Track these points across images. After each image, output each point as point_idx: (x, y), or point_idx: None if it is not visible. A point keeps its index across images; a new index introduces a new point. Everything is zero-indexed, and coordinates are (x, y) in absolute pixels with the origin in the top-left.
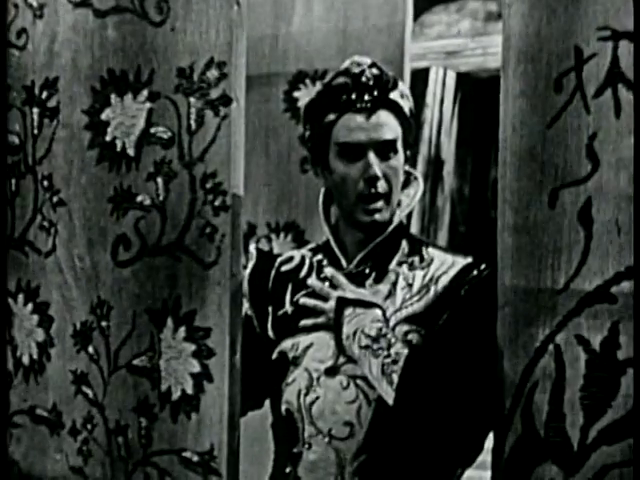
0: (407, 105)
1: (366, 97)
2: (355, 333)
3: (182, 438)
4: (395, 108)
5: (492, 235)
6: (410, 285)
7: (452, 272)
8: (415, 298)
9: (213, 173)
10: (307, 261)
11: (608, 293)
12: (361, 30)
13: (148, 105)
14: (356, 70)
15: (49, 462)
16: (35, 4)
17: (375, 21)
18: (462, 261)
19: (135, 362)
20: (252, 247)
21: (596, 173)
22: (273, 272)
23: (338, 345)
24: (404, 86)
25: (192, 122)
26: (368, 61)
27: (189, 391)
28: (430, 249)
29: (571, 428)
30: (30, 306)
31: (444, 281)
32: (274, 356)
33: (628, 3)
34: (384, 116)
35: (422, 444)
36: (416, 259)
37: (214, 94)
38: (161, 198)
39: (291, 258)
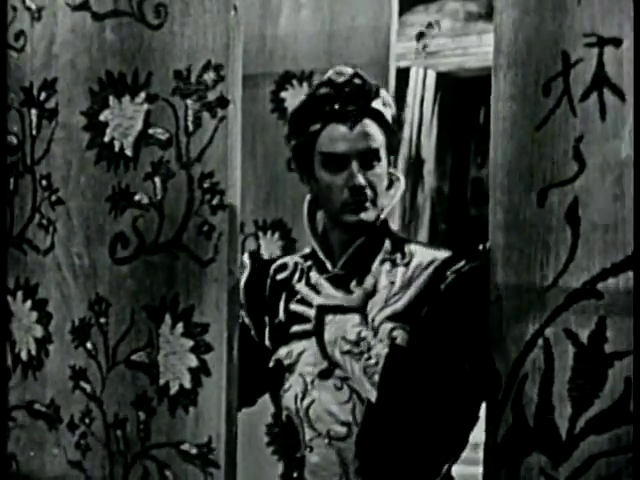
0: (389, 112)
1: (349, 107)
2: (336, 339)
3: (180, 431)
4: (378, 117)
5: (471, 233)
6: (392, 283)
7: (432, 267)
8: (398, 295)
9: (210, 173)
10: (299, 267)
11: (594, 289)
12: (347, 31)
13: (146, 107)
14: (339, 80)
15: (47, 457)
16: (33, 7)
17: (361, 22)
18: (442, 256)
19: (133, 357)
20: (245, 256)
21: (582, 174)
22: (269, 281)
23: (322, 352)
24: (386, 94)
25: (189, 123)
26: (350, 71)
27: (187, 385)
28: (412, 245)
29: (560, 419)
30: (29, 303)
31: (425, 276)
32: (271, 364)
33: (613, 11)
34: (367, 125)
35: (407, 440)
36: (398, 256)
37: (211, 96)
38: (159, 197)
39: (285, 265)
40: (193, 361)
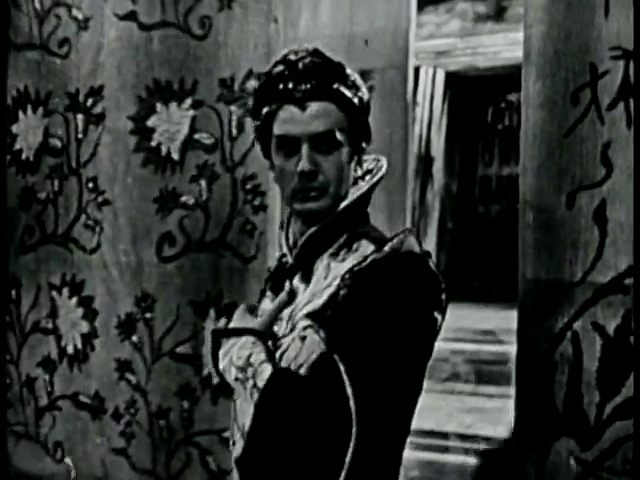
0: (357, 95)
1: (302, 87)
2: (227, 366)
3: (222, 419)
4: (338, 98)
5: (479, 231)
6: (325, 277)
7: (355, 261)
8: (323, 292)
9: (252, 175)
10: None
11: (621, 284)
12: (366, 34)
13: (192, 113)
14: (293, 58)
15: (90, 444)
16: (80, 17)
17: (379, 25)
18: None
19: (178, 350)
20: None
21: (610, 178)
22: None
23: (220, 379)
24: (354, 75)
25: (233, 129)
26: (309, 48)
27: None
28: (364, 241)
29: (588, 406)
30: (75, 299)
31: (343, 270)
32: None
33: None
34: (323, 107)
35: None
36: (343, 252)
37: None
38: (204, 198)
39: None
40: None
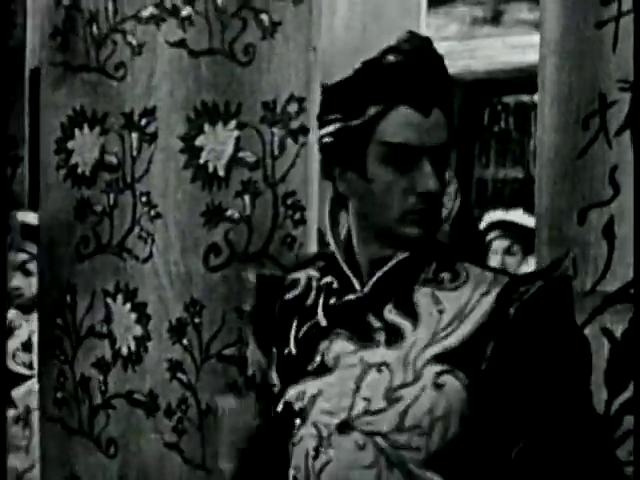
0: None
1: (427, 86)
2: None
3: None
4: (446, 104)
5: (474, 234)
6: (441, 312)
7: (495, 291)
8: (449, 328)
9: (293, 192)
10: (314, 284)
11: (628, 293)
12: (379, 47)
13: (236, 133)
14: (407, 47)
15: (144, 440)
16: (134, 42)
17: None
18: (505, 278)
19: (225, 352)
20: (251, 275)
21: (617, 197)
22: (278, 302)
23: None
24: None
25: (275, 148)
26: (422, 35)
27: None
28: (465, 264)
29: (597, 402)
30: (128, 305)
31: (486, 303)
32: (279, 408)
33: None
34: (440, 114)
35: None
36: (446, 276)
37: (294, 125)
38: (248, 213)
39: (296, 282)
40: None
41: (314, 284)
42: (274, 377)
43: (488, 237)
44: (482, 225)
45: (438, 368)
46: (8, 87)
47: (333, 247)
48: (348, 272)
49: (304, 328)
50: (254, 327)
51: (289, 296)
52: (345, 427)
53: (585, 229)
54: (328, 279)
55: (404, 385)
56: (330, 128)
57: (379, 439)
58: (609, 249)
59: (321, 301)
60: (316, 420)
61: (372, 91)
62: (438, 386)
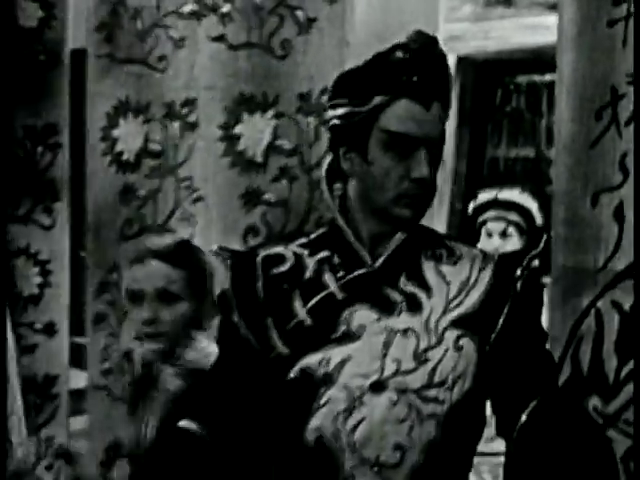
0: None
1: (429, 82)
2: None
3: None
4: (446, 99)
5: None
6: (448, 283)
7: (490, 267)
8: (459, 298)
9: None
10: (308, 260)
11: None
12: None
13: (274, 122)
14: (414, 45)
15: None
16: (176, 36)
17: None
18: (493, 252)
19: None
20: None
21: (626, 182)
22: (260, 275)
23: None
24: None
25: (310, 136)
26: (429, 34)
27: None
28: (452, 242)
29: (608, 370)
30: None
31: (485, 277)
32: (292, 375)
33: None
34: (439, 108)
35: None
36: (444, 252)
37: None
38: (285, 196)
39: (281, 257)
40: None
41: (307, 260)
42: (280, 346)
43: (481, 217)
44: (475, 204)
45: (457, 332)
46: (48, 78)
47: (341, 223)
48: (358, 246)
49: (314, 300)
50: (236, 301)
51: (276, 271)
52: (378, 387)
53: (597, 211)
54: (326, 253)
55: (430, 348)
56: (339, 111)
57: (411, 395)
58: (619, 230)
59: (328, 275)
60: (347, 383)
61: (379, 82)
62: (459, 348)
